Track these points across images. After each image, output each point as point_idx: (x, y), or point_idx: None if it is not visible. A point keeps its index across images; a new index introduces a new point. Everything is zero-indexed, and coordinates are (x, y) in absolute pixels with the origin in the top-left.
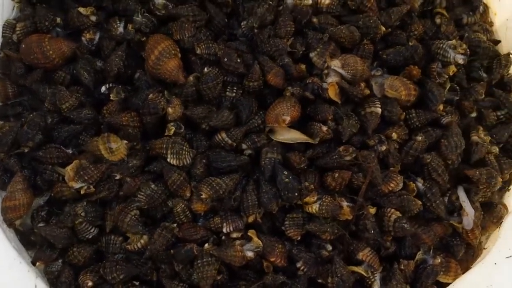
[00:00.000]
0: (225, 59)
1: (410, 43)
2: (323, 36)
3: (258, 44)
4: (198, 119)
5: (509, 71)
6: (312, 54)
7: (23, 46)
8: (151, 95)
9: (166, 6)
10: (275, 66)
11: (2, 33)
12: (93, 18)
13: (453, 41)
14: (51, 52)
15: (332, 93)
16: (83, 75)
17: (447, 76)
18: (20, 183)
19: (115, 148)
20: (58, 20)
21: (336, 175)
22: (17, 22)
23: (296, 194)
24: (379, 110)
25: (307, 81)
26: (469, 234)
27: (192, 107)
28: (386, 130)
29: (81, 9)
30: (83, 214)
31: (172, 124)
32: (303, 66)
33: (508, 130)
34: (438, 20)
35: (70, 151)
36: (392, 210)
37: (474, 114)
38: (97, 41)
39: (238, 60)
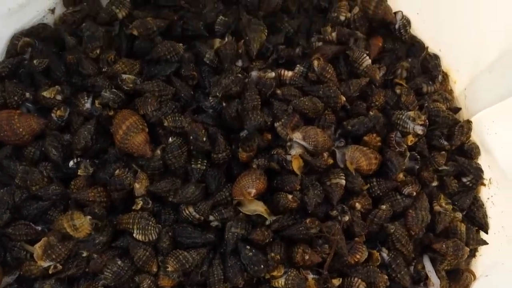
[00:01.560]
0: (191, 137)
1: (371, 113)
2: (288, 108)
3: (228, 117)
4: (163, 194)
5: (469, 138)
6: (276, 124)
7: None
8: (117, 171)
9: (134, 81)
10: (255, 149)
11: None
12: (59, 97)
13: (412, 113)
14: (21, 129)
15: (296, 166)
16: (51, 151)
17: (405, 146)
18: None
19: (79, 224)
20: (28, 95)
21: (307, 257)
22: None
23: (262, 266)
24: (343, 181)
25: (272, 152)
26: None
27: (157, 182)
28: (350, 199)
29: (45, 93)
30: None
31: (140, 199)
32: (269, 136)
33: (470, 197)
34: (398, 91)
35: (39, 228)
36: (359, 280)
37: (435, 183)
38: (66, 117)
39: (204, 139)
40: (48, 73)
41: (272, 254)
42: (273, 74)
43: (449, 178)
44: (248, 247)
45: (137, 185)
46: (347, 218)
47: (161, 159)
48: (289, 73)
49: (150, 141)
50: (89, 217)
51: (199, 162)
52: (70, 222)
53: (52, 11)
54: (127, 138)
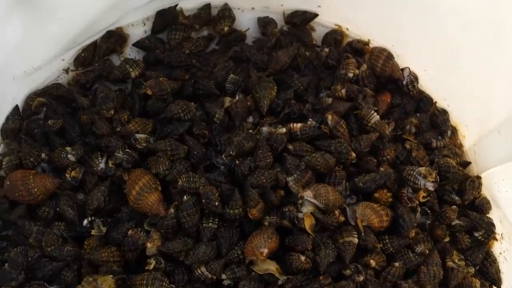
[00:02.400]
0: (204, 200)
1: (382, 168)
2: (300, 164)
3: (240, 174)
4: (175, 254)
5: (480, 193)
6: (289, 179)
7: (8, 183)
8: (130, 231)
9: (147, 140)
10: (260, 201)
11: None
12: (73, 158)
13: (423, 169)
14: (36, 189)
15: (307, 225)
16: (67, 211)
17: (417, 202)
18: None
19: (106, 287)
20: (43, 156)
21: None
22: (4, 157)
23: None
24: (356, 240)
25: (284, 210)
26: None
27: (169, 241)
28: (363, 257)
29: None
30: None
31: (152, 258)
32: (282, 192)
33: (482, 252)
34: (408, 146)
35: None
36: None
37: (447, 239)
38: (80, 177)
39: (217, 203)
40: (63, 132)
41: None
42: (284, 129)
43: (461, 234)
44: None
45: (149, 245)
46: (361, 278)
47: (174, 218)
48: (298, 125)
49: (163, 199)
50: (110, 275)
51: (211, 221)
52: (94, 286)
53: (66, 71)
54: (140, 198)
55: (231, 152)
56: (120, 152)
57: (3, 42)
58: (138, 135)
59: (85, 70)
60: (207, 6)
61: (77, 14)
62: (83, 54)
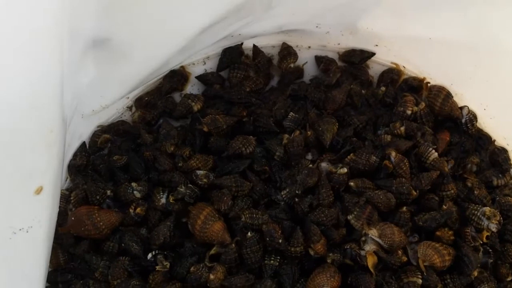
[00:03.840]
0: (268, 238)
1: (444, 206)
2: (360, 200)
3: (300, 212)
4: None
5: None
6: (350, 217)
7: (73, 218)
8: (192, 268)
9: (207, 175)
10: (323, 236)
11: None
12: (138, 194)
13: (488, 210)
14: (101, 223)
15: (370, 263)
16: (132, 246)
17: (481, 242)
18: None
19: None
20: (109, 193)
21: None
22: (70, 192)
23: None
24: (420, 281)
25: (346, 247)
26: None
27: (231, 277)
28: None
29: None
30: None
31: None
32: (343, 230)
33: None
34: (469, 184)
35: None
36: None
37: (510, 278)
38: (144, 213)
39: (280, 241)
40: (127, 168)
41: None
42: (345, 169)
43: None
44: None
45: (212, 276)
46: None
47: (236, 252)
48: (353, 157)
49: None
50: None
51: (273, 258)
52: None
53: (130, 108)
54: (206, 227)
55: (297, 192)
56: (183, 187)
57: (76, 83)
58: (199, 172)
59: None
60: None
61: (149, 57)
62: (146, 98)
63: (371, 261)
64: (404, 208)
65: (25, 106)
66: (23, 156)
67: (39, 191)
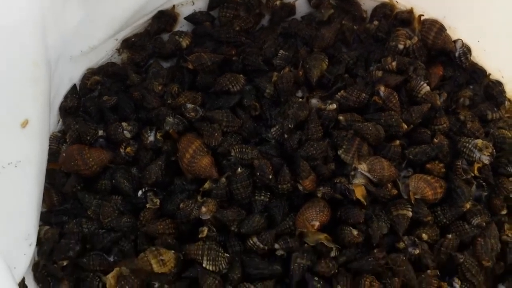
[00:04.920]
0: (258, 173)
1: (435, 139)
2: (347, 133)
3: (289, 148)
4: (228, 222)
5: None
6: (339, 152)
7: (64, 154)
8: (182, 204)
9: (196, 110)
10: (312, 172)
11: (49, 145)
12: (128, 134)
13: (480, 142)
14: (91, 159)
15: (359, 194)
16: (123, 183)
17: (472, 174)
18: None
19: (167, 259)
20: (100, 132)
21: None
22: (64, 133)
23: None
24: (410, 213)
25: (335, 181)
26: None
27: (223, 210)
28: (415, 230)
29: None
30: None
31: (204, 226)
32: (332, 165)
33: None
34: (462, 117)
35: (111, 259)
36: None
37: (504, 212)
38: (134, 154)
39: (270, 177)
40: (117, 109)
41: (339, 287)
42: (334, 105)
43: None
44: (316, 278)
45: (204, 209)
46: (417, 251)
47: (227, 187)
48: (343, 93)
49: (215, 164)
50: (172, 251)
51: (263, 194)
52: (158, 257)
53: (119, 51)
54: (194, 161)
55: (289, 125)
56: (171, 117)
57: (62, 23)
58: (188, 105)
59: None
60: None
61: None
62: (133, 39)
63: (359, 192)
64: (397, 142)
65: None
66: (8, 86)
67: (25, 124)
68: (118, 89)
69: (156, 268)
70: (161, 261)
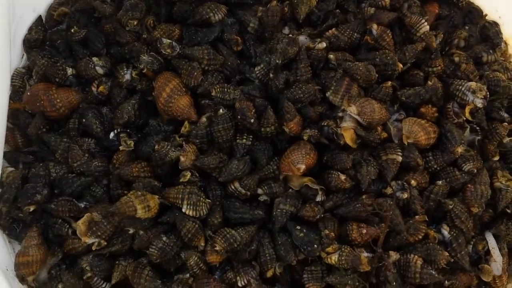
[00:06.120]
0: (239, 116)
1: (430, 82)
2: (336, 73)
3: (274, 88)
4: (209, 170)
5: None
6: (328, 93)
7: (28, 93)
8: (156, 146)
9: (172, 46)
10: (297, 114)
11: (12, 82)
12: (100, 70)
13: (473, 84)
14: (58, 100)
15: (348, 138)
16: (95, 124)
17: (464, 118)
18: (35, 238)
19: (152, 205)
20: (70, 71)
21: (364, 231)
22: (29, 69)
23: (316, 246)
24: (400, 158)
25: (323, 124)
26: (497, 281)
27: (203, 157)
28: (404, 175)
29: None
30: (88, 268)
31: (187, 171)
32: (319, 108)
33: None
34: (456, 59)
35: (82, 205)
36: (417, 257)
37: (497, 158)
38: (107, 93)
39: (252, 120)
40: (86, 44)
41: (327, 231)
42: (324, 44)
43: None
44: (298, 227)
45: (182, 158)
46: (405, 195)
47: (208, 127)
48: (335, 32)
49: (194, 104)
50: (156, 196)
51: (245, 137)
52: (145, 203)
53: None
54: (171, 101)
55: (277, 61)
56: (145, 55)
57: None
58: (164, 40)
59: None
60: None
61: None
62: None
63: (348, 136)
64: (388, 83)
65: None
66: None
67: None
68: (87, 22)
69: (140, 213)
70: (147, 207)
